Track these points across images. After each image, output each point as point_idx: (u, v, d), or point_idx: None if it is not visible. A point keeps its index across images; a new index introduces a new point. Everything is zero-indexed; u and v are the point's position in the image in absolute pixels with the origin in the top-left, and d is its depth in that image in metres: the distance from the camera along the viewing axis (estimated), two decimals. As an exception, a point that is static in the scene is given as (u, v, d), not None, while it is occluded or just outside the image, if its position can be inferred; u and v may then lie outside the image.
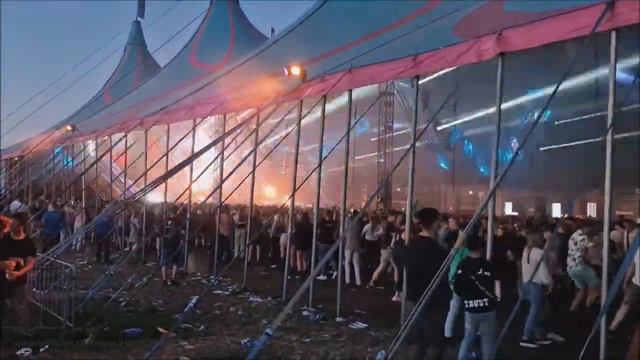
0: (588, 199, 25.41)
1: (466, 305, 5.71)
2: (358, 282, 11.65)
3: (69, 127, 20.05)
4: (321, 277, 11.56)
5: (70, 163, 22.11)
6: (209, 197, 11.15)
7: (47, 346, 6.33)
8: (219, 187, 11.57)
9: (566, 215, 14.88)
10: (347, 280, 11.46)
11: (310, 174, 9.57)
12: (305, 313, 8.69)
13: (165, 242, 11.41)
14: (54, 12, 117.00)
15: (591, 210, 25.41)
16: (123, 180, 17.78)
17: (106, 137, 17.77)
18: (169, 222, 11.68)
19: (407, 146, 8.87)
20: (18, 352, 6.22)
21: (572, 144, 19.22)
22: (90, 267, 13.18)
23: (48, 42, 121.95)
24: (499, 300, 5.87)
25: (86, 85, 28.02)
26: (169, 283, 11.11)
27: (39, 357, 6.22)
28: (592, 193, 22.02)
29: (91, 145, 19.88)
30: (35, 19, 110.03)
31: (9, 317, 6.36)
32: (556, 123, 18.37)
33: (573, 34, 6.03)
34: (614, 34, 5.77)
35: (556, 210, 26.98)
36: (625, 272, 7.00)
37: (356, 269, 11.87)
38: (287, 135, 11.72)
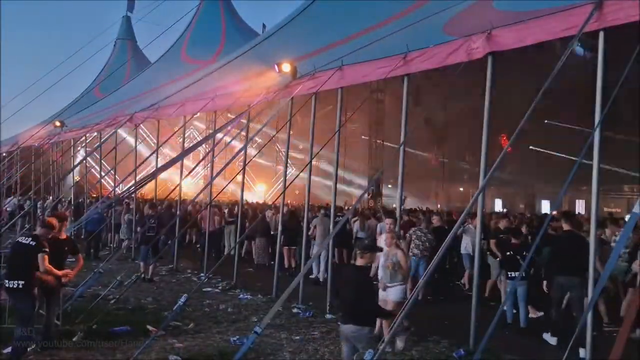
0: (576, 195, 25.67)
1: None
2: (321, 279, 11.17)
3: (57, 123, 19.86)
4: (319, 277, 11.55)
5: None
6: (199, 194, 11.15)
7: (34, 345, 6.28)
8: (210, 184, 11.55)
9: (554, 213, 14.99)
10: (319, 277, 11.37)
11: (301, 171, 9.57)
12: (295, 310, 8.71)
13: (145, 239, 11.31)
14: (44, 6, 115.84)
15: (580, 207, 25.64)
16: (113, 177, 17.72)
17: (95, 133, 17.64)
18: (151, 220, 11.61)
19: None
20: (5, 351, 6.17)
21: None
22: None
23: (39, 37, 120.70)
24: None
25: (75, 80, 27.73)
26: (145, 279, 11.00)
27: (27, 355, 6.17)
28: (580, 190, 22.26)
29: (80, 141, 19.73)
30: (25, 14, 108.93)
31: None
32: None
33: (562, 34, 6.07)
34: (602, 34, 5.82)
35: (545, 207, 27.24)
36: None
37: (321, 266, 11.42)
38: (277, 132, 11.72)
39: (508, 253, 8.47)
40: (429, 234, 9.92)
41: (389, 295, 6.83)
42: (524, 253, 8.09)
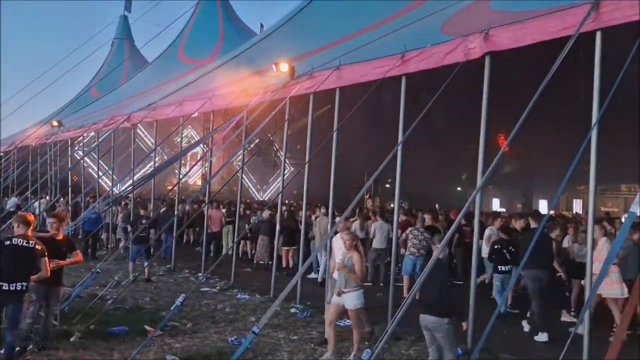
0: (574, 195, 25.72)
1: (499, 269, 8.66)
2: (320, 279, 11.19)
3: (55, 123, 19.81)
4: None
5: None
6: (197, 194, 11.16)
7: (32, 344, 6.27)
8: (208, 183, 11.55)
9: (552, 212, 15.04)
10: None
11: (299, 171, 9.55)
12: (293, 310, 8.71)
13: (138, 239, 11.27)
14: (43, 5, 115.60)
15: (577, 206, 25.71)
16: (110, 177, 17.69)
17: (93, 133, 17.61)
18: (143, 221, 11.60)
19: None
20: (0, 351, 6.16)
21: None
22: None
23: (36, 36, 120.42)
24: None
25: (73, 80, 27.72)
26: (135, 279, 10.96)
27: (25, 355, 6.16)
28: (578, 190, 22.28)
29: (78, 141, 19.71)
30: (23, 14, 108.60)
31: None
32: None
33: (560, 34, 6.07)
34: (599, 34, 5.83)
35: (543, 207, 27.25)
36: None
37: (320, 266, 11.47)
38: (274, 132, 11.71)
39: (496, 247, 8.60)
40: (425, 232, 9.97)
41: (345, 302, 6.37)
42: (510, 248, 8.47)
